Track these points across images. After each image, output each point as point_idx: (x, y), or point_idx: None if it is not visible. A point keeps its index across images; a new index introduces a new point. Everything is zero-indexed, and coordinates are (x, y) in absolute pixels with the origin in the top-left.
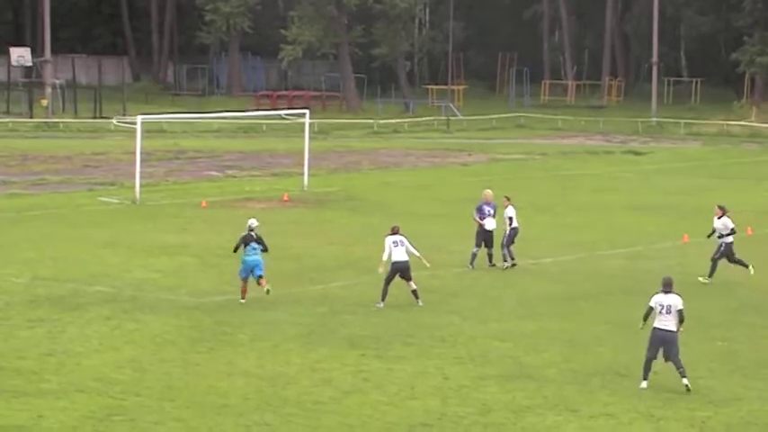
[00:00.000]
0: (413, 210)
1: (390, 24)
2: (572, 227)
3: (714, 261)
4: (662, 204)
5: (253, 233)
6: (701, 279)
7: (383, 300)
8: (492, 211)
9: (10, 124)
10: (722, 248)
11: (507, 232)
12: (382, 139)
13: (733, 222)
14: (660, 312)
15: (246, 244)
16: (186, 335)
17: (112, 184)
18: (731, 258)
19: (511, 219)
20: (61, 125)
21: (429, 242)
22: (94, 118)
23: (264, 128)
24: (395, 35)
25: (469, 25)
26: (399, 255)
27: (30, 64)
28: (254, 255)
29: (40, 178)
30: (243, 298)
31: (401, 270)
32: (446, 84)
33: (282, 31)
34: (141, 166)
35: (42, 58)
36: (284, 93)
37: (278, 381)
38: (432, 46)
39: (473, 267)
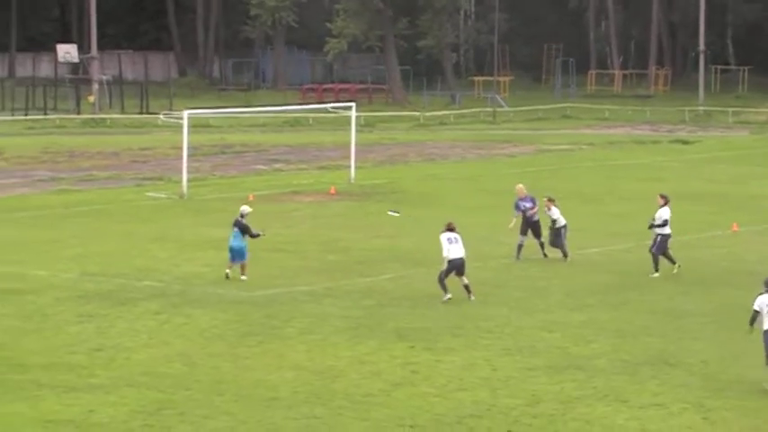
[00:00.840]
0: (459, 202)
1: (436, 16)
2: (619, 217)
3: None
4: (710, 193)
5: (241, 219)
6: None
7: (447, 291)
8: (528, 205)
9: (57, 121)
10: (658, 239)
11: (554, 232)
12: (428, 131)
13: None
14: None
15: (234, 228)
16: (235, 329)
17: (160, 180)
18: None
19: (554, 221)
20: (108, 121)
21: (476, 233)
22: (141, 113)
23: (311, 121)
24: (440, 27)
25: (515, 16)
26: (456, 252)
27: (76, 61)
28: (234, 241)
29: (88, 174)
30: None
31: (457, 267)
32: (492, 75)
33: (328, 25)
34: (188, 161)
35: (89, 55)
36: (330, 86)
37: (327, 374)
38: (477, 37)
39: (520, 259)
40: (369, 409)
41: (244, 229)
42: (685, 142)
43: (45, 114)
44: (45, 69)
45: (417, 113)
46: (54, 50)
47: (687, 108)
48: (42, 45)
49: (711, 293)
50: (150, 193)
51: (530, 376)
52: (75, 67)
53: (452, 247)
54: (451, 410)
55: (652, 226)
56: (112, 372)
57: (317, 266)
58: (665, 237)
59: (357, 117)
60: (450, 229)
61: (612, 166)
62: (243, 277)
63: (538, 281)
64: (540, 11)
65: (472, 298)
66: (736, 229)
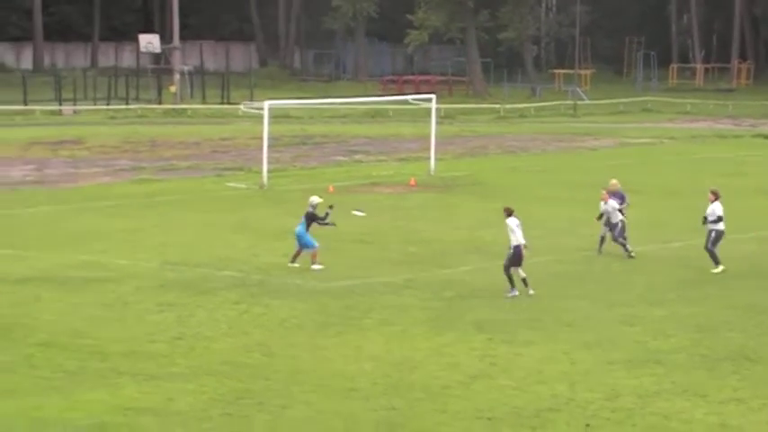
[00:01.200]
0: (540, 194)
1: (517, 8)
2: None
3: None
4: None
5: (311, 210)
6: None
7: (514, 285)
8: (619, 203)
9: (139, 110)
10: (713, 235)
11: (612, 228)
12: (509, 123)
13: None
14: None
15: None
16: (314, 319)
17: (240, 170)
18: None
19: (605, 215)
20: (189, 111)
21: (557, 226)
22: (222, 104)
23: (391, 113)
24: (521, 19)
25: (596, 9)
26: (521, 238)
27: (158, 51)
28: (298, 227)
29: (170, 164)
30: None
31: (521, 255)
32: (573, 68)
33: (409, 16)
34: (268, 152)
35: (171, 45)
36: (410, 78)
37: (405, 365)
38: (558, 30)
39: (601, 252)
40: (446, 400)
41: (311, 219)
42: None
43: (127, 104)
44: (127, 59)
45: (498, 106)
46: (136, 40)
47: None
48: (124, 35)
49: None
50: (230, 184)
51: (609, 370)
52: (156, 57)
53: (518, 233)
54: (530, 403)
55: (706, 221)
56: (192, 360)
57: (396, 258)
58: (720, 233)
59: (437, 109)
60: (512, 212)
61: (694, 160)
62: (314, 266)
63: (618, 275)
64: (622, 3)
65: (531, 291)
66: None
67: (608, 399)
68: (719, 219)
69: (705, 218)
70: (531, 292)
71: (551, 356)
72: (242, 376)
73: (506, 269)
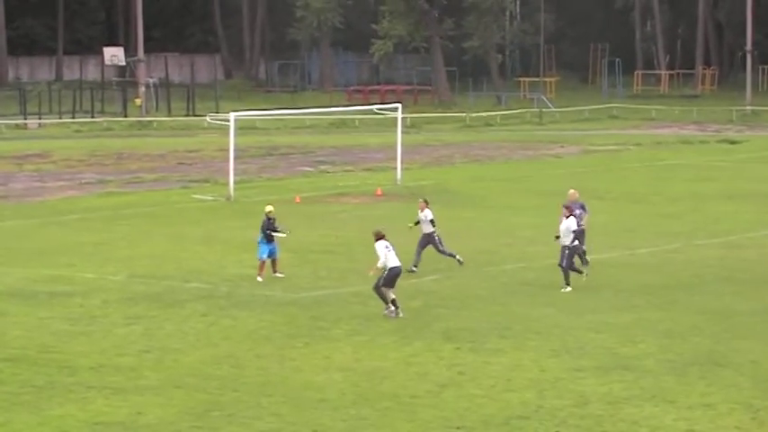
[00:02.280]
0: (507, 202)
1: (481, 17)
2: (668, 217)
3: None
4: (758, 192)
5: (268, 221)
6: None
7: (387, 302)
8: (578, 212)
9: (105, 123)
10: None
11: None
12: (475, 132)
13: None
14: None
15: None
16: (282, 330)
17: (206, 182)
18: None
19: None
20: (155, 123)
21: (524, 234)
22: (188, 116)
23: (357, 123)
24: (486, 28)
25: (560, 17)
26: (395, 260)
27: (123, 63)
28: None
29: (135, 176)
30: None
31: (396, 276)
32: (538, 76)
33: (373, 26)
34: (235, 163)
35: (135, 58)
36: (376, 87)
37: (374, 375)
38: (523, 38)
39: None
40: (416, 410)
41: (267, 228)
42: (733, 142)
43: (92, 117)
44: (92, 72)
45: (463, 114)
46: (101, 53)
47: (734, 108)
48: (89, 48)
49: (761, 293)
50: (197, 196)
51: (577, 377)
52: (121, 70)
53: (390, 255)
54: (499, 411)
55: (558, 237)
56: (161, 373)
57: (363, 268)
58: (574, 248)
59: (403, 118)
60: (382, 237)
61: (660, 166)
62: (258, 278)
63: (586, 282)
64: (587, 11)
65: (401, 315)
66: None
67: (577, 405)
68: (571, 233)
69: (558, 234)
70: (401, 315)
71: (520, 364)
72: (211, 388)
73: (377, 288)
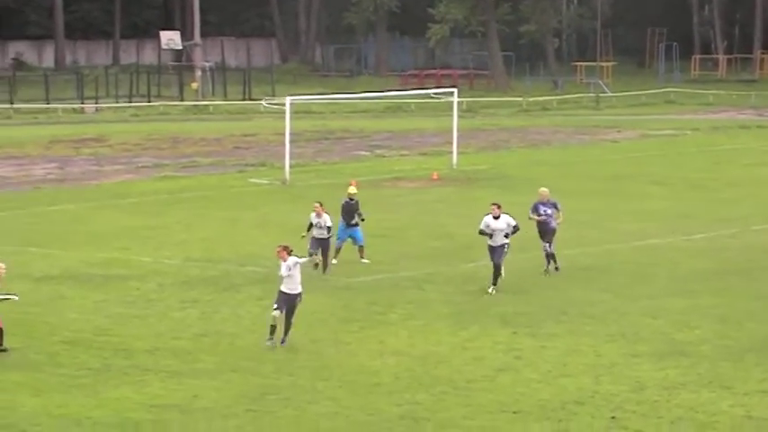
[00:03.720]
0: (563, 187)
1: (538, 1)
2: (724, 202)
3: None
4: None
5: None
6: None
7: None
8: (549, 211)
9: (161, 108)
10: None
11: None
12: (531, 116)
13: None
14: None
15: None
16: (337, 314)
17: (262, 165)
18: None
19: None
20: (211, 108)
21: (580, 218)
22: (244, 100)
23: (413, 107)
24: (543, 12)
25: (618, 1)
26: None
27: (179, 48)
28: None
29: (192, 161)
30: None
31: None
32: (594, 60)
33: (430, 10)
34: (290, 147)
35: (192, 42)
36: (432, 72)
37: (429, 360)
38: (580, 22)
39: (558, 269)
40: (471, 394)
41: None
42: None
43: (149, 101)
44: (149, 56)
45: (520, 99)
46: (157, 37)
47: None
48: (146, 32)
49: None
50: (253, 180)
51: (633, 363)
52: (178, 54)
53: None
54: (555, 396)
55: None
56: (216, 357)
57: (419, 252)
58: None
59: (459, 102)
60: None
61: (717, 151)
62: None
63: (642, 266)
64: None
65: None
66: None
67: (633, 391)
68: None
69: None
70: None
71: (576, 349)
72: (266, 372)
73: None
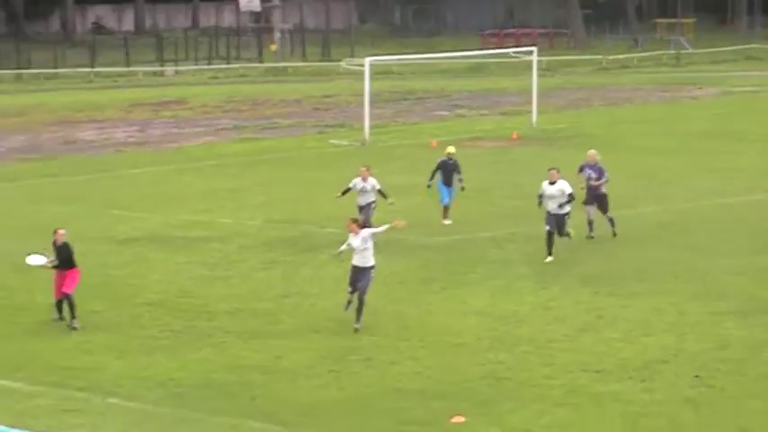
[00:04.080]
0: (644, 145)
1: None
2: None
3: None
4: None
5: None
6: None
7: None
8: (594, 175)
9: (240, 70)
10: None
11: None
12: (611, 74)
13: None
14: None
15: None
16: (418, 275)
17: (342, 126)
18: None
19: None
20: (290, 69)
21: (662, 177)
22: (322, 61)
23: (492, 67)
24: None
25: None
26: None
27: (258, 9)
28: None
29: (271, 122)
30: None
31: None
32: (675, 17)
33: None
34: (370, 108)
35: (271, 4)
36: (511, 31)
37: (511, 319)
38: None
39: (593, 235)
40: (553, 354)
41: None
42: None
43: (228, 63)
44: (228, 19)
45: (600, 57)
46: (236, 0)
47: None
48: None
49: None
50: (333, 141)
51: (717, 321)
52: (257, 16)
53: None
54: (637, 355)
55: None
56: (298, 318)
57: (499, 212)
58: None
59: (538, 61)
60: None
61: None
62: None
63: (725, 224)
64: None
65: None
66: None
67: (717, 349)
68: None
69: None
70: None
71: (658, 308)
72: (348, 333)
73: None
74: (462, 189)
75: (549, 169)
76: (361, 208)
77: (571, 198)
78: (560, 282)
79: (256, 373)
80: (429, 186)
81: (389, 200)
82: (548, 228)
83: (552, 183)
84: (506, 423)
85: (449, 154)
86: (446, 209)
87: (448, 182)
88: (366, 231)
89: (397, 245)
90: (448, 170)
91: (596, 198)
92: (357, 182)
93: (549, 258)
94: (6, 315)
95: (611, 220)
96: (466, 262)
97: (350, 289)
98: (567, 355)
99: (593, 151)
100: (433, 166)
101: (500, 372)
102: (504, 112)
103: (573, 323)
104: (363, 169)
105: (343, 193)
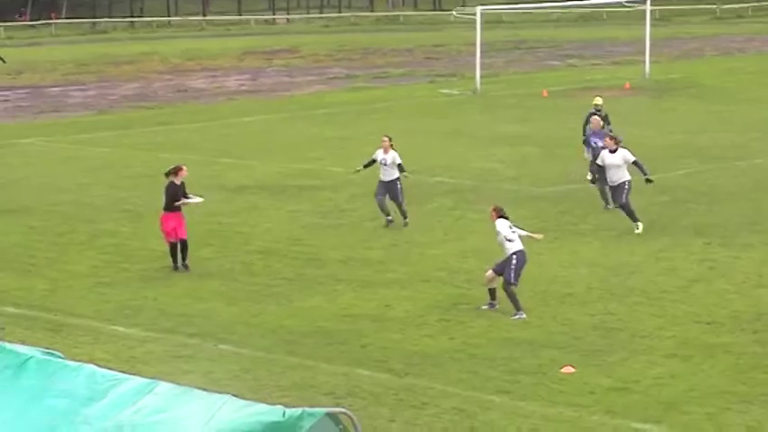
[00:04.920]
0: (758, 96)
1: None
2: None
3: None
4: None
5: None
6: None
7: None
8: (601, 143)
9: (352, 18)
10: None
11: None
12: (725, 24)
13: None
14: None
15: None
16: (530, 224)
17: (453, 76)
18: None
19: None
20: (401, 18)
21: None
22: (434, 10)
23: (605, 16)
24: None
25: None
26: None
27: None
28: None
29: (383, 71)
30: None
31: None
32: None
33: None
34: (481, 57)
35: None
36: None
37: (622, 270)
38: None
39: (611, 207)
40: (664, 305)
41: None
42: None
43: (339, 12)
44: None
45: (714, 6)
46: None
47: None
48: None
49: None
50: (444, 90)
51: None
52: None
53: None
54: (750, 308)
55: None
56: (408, 267)
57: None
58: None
59: (651, 11)
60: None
61: None
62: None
63: None
64: None
65: (497, 306)
66: None
67: None
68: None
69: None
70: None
71: None
72: (458, 282)
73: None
74: (618, 142)
75: (607, 136)
76: (385, 184)
77: (638, 165)
78: (672, 232)
79: (366, 321)
80: (584, 142)
81: (405, 174)
82: (618, 201)
83: (613, 151)
84: (616, 374)
85: (596, 105)
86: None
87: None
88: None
89: (509, 195)
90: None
91: (598, 170)
92: (379, 153)
93: (638, 227)
94: (120, 262)
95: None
96: (577, 212)
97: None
98: (679, 307)
99: (596, 118)
100: (581, 120)
101: (610, 322)
102: (616, 61)
103: (684, 274)
104: (385, 139)
105: (366, 166)
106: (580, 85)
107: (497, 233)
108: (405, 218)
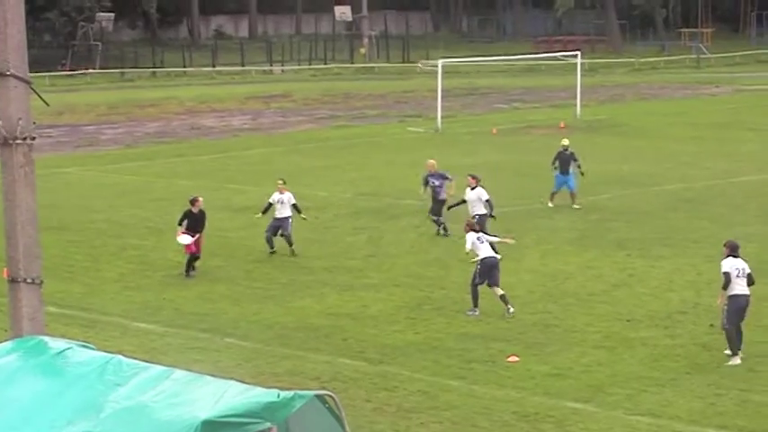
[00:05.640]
0: (669, 133)
1: None
2: None
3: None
4: None
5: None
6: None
7: (476, 304)
8: (437, 183)
9: (335, 69)
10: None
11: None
12: (642, 74)
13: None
14: None
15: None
16: None
17: (419, 116)
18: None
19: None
20: (376, 69)
21: (684, 159)
22: (403, 63)
23: (543, 67)
24: None
25: None
26: (486, 251)
27: (350, 19)
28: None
29: (360, 112)
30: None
31: (489, 268)
32: (696, 27)
33: None
34: (442, 101)
35: (360, 14)
36: (559, 38)
37: (558, 276)
38: None
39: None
40: (593, 305)
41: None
42: None
43: (325, 64)
44: (325, 27)
45: (633, 60)
46: (332, 11)
47: None
48: (322, 7)
49: None
50: (411, 128)
51: None
52: (349, 25)
53: (482, 247)
54: (662, 307)
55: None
56: (382, 274)
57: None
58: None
59: (582, 63)
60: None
61: None
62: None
63: (737, 199)
64: None
65: (511, 310)
66: None
67: None
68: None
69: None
70: (512, 310)
71: (680, 268)
72: (423, 286)
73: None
74: (582, 174)
75: (468, 175)
76: (278, 221)
77: (489, 204)
78: (599, 246)
79: (347, 319)
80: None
81: (302, 215)
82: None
83: (473, 188)
84: (553, 362)
85: (564, 146)
86: (573, 195)
87: (564, 170)
88: (473, 235)
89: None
90: (564, 160)
91: (436, 202)
92: (274, 196)
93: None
94: (143, 269)
95: (440, 223)
96: (521, 229)
97: (478, 280)
98: (604, 307)
99: (431, 161)
100: (552, 154)
101: (548, 320)
102: (553, 105)
103: (609, 280)
104: (280, 183)
105: (264, 212)
106: (523, 124)
107: (466, 243)
108: (291, 245)
